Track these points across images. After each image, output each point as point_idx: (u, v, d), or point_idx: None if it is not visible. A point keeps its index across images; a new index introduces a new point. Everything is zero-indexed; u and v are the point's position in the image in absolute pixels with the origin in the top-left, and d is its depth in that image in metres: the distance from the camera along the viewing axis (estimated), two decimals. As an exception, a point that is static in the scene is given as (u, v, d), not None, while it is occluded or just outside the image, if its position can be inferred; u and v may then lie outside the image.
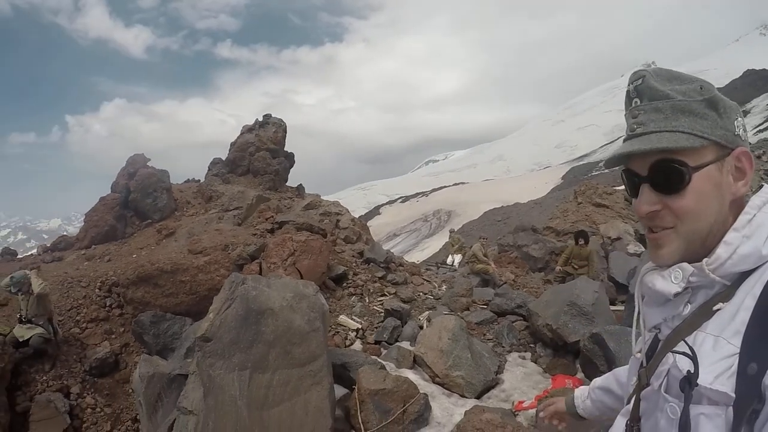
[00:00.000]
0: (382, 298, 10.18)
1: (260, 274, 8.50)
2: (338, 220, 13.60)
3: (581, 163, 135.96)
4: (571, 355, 7.35)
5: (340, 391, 5.92)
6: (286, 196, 15.27)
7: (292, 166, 16.89)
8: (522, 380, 7.07)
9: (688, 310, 1.12)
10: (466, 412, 5.04)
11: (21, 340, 7.36)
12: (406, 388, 5.54)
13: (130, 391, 7.41)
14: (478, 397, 6.54)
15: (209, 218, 12.41)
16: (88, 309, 8.82)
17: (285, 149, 16.80)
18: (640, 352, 1.23)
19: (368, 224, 17.38)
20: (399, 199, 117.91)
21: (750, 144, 1.12)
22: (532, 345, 8.19)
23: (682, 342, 1.07)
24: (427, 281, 12.51)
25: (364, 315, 9.29)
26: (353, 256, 11.84)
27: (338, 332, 8.39)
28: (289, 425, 4.87)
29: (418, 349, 7.24)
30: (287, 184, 16.51)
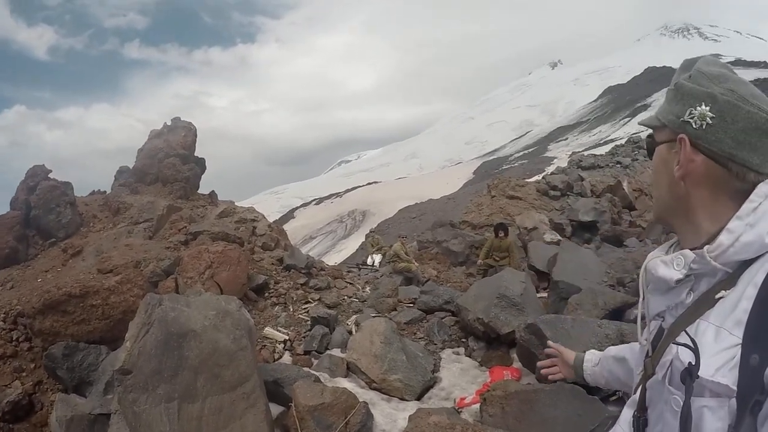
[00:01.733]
0: (306, 306, 9.85)
1: (177, 291, 7.97)
2: (255, 227, 13.09)
3: (492, 158, 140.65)
4: (505, 346, 7.40)
5: (276, 409, 5.56)
6: (198, 205, 14.51)
7: (203, 172, 16.04)
8: (460, 376, 7.02)
9: (691, 298, 1.13)
10: (410, 416, 4.84)
11: None
12: (346, 399, 5.28)
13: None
14: (418, 399, 6.41)
15: (118, 233, 11.54)
16: (-7, 346, 7.83)
17: (195, 154, 15.94)
18: (646, 340, 1.25)
19: (284, 228, 16.91)
20: (313, 201, 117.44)
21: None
22: (464, 340, 8.15)
23: (684, 333, 1.06)
24: (351, 284, 12.29)
25: (290, 325, 8.93)
26: (273, 264, 11.41)
27: (265, 346, 7.97)
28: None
29: (351, 355, 7.01)
30: (199, 191, 15.66)
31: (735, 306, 1.02)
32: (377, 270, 16.58)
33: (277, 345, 8.05)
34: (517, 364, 6.83)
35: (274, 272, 10.92)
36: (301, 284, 10.73)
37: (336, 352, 7.72)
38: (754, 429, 0.93)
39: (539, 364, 2.20)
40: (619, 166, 29.09)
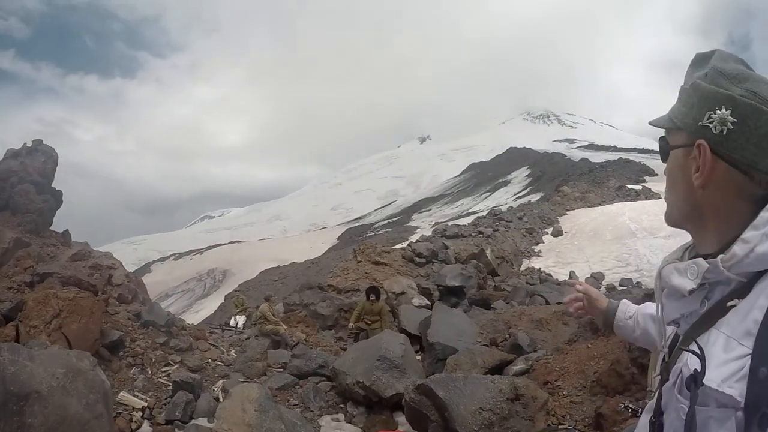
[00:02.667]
0: (167, 368, 8.92)
1: (17, 340, 6.82)
2: (111, 275, 11.91)
3: (357, 224, 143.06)
4: (388, 410, 7.18)
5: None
6: (49, 243, 13.02)
7: (58, 206, 14.48)
8: (344, 444, 6.59)
9: (705, 306, 1.10)
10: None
11: None
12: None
13: None
14: (301, 473, 5.87)
15: (-47, 266, 9.94)
16: None
17: (53, 186, 14.39)
18: (663, 346, 1.23)
19: (142, 280, 15.62)
20: (172, 256, 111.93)
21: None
22: (342, 405, 7.80)
23: (694, 341, 1.04)
24: (214, 346, 11.46)
25: (149, 390, 7.96)
26: (129, 319, 10.34)
27: (121, 413, 6.94)
28: None
29: (220, 425, 6.27)
30: (51, 228, 14.08)
31: (746, 316, 0.99)
32: (242, 332, 15.82)
33: (135, 413, 7.10)
34: (404, 428, 6.57)
35: (130, 328, 9.89)
36: (160, 344, 9.79)
37: (202, 421, 6.95)
38: None
39: (567, 299, 1.98)
40: (481, 235, 30.57)
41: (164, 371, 8.79)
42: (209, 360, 10.06)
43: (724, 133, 1.04)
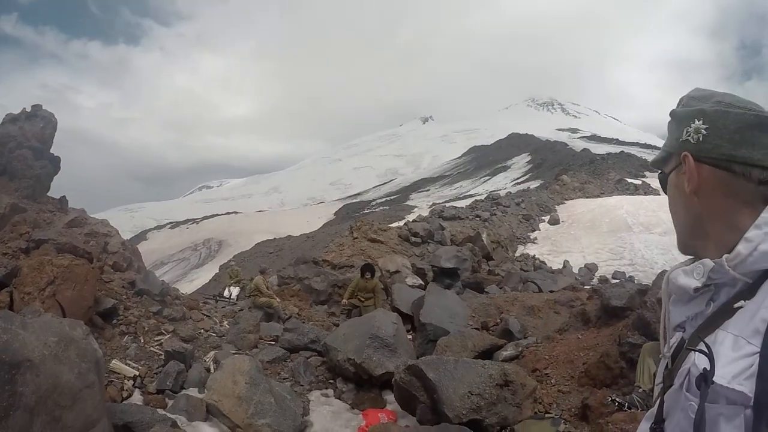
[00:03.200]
0: (159, 338, 8.96)
1: (11, 307, 6.82)
2: (107, 243, 11.86)
3: (354, 201, 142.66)
4: (377, 388, 7.22)
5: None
6: (46, 209, 12.91)
7: (56, 172, 14.36)
8: (332, 420, 6.69)
9: (711, 308, 1.12)
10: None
11: None
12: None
13: None
14: (289, 445, 5.94)
15: (-52, 229, 9.87)
16: None
17: (51, 151, 14.27)
18: (667, 353, 1.24)
19: (138, 249, 15.59)
20: (168, 224, 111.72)
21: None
22: (332, 381, 7.86)
23: (702, 341, 1.04)
24: (207, 316, 11.51)
25: (141, 359, 8.01)
26: (123, 287, 10.35)
27: (112, 381, 6.97)
28: None
29: (210, 396, 6.37)
30: (48, 193, 14.01)
31: (754, 315, 1.00)
32: (235, 303, 15.86)
33: (126, 381, 7.14)
34: (392, 406, 6.65)
35: (124, 297, 9.92)
36: (153, 313, 9.83)
37: (193, 392, 7.03)
38: None
39: None
40: (478, 219, 30.52)
41: (157, 340, 8.83)
42: (202, 330, 10.11)
43: (701, 139, 1.14)
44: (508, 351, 7.40)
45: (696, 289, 1.13)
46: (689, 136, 1.16)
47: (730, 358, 0.99)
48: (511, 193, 46.78)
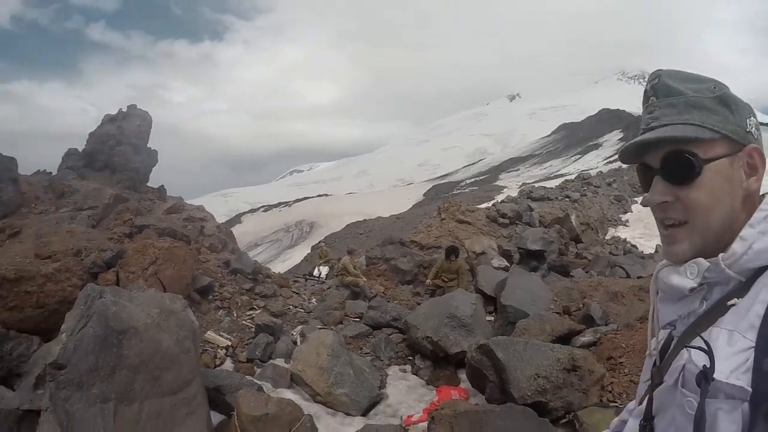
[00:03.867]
0: (251, 312, 9.58)
1: (117, 284, 7.54)
2: (203, 227, 12.71)
3: (443, 181, 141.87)
4: (453, 366, 7.36)
5: (217, 418, 5.32)
6: (146, 198, 13.95)
7: (154, 164, 15.50)
8: (407, 394, 6.92)
9: (703, 306, 1.12)
10: (357, 432, 4.71)
11: None
12: (291, 411, 5.07)
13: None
14: (364, 414, 6.26)
15: (60, 217, 10.94)
16: None
17: (148, 146, 15.43)
18: (654, 350, 1.24)
19: (231, 231, 16.53)
20: (261, 208, 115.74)
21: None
22: (410, 358, 8.08)
23: (698, 337, 1.05)
24: (297, 294, 12.07)
25: (234, 331, 8.63)
26: (219, 266, 11.09)
27: (206, 350, 7.63)
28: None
29: (295, 366, 6.81)
30: (148, 184, 15.15)
31: (748, 310, 1.02)
32: (323, 282, 16.43)
33: (219, 350, 7.74)
34: (464, 384, 6.78)
35: (219, 275, 10.61)
36: (246, 290, 10.47)
37: (280, 362, 7.48)
38: None
39: None
40: (567, 200, 29.73)
41: (248, 315, 9.44)
42: (291, 306, 10.65)
43: (758, 137, 1.13)
44: (586, 337, 7.32)
45: (691, 290, 1.12)
46: (752, 129, 1.13)
47: (727, 354, 1.00)
48: (602, 172, 45.07)
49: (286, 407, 5.07)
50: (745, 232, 1.07)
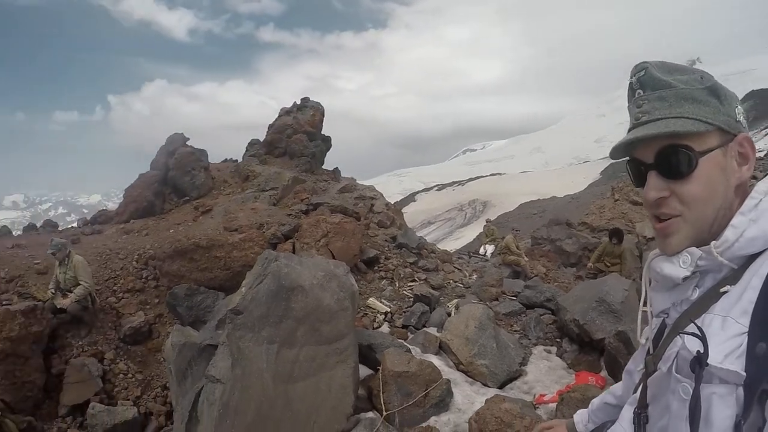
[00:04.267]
0: (412, 284, 10.26)
1: (293, 253, 8.66)
2: (372, 205, 13.69)
3: (622, 159, 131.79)
4: (597, 352, 7.29)
5: (365, 371, 6.04)
6: (321, 179, 15.41)
7: (328, 149, 17.00)
8: (545, 374, 7.03)
9: (696, 294, 1.14)
10: (486, 400, 5.08)
11: (59, 306, 7.66)
12: (430, 372, 5.61)
13: (162, 359, 7.66)
14: (500, 387, 6.54)
15: (245, 197, 12.61)
16: (124, 280, 9.10)
17: (322, 133, 16.92)
18: (647, 339, 1.25)
19: (403, 211, 17.38)
20: (435, 186, 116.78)
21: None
22: (558, 339, 8.12)
23: (691, 324, 1.06)
24: (458, 269, 12.52)
25: (394, 299, 9.39)
26: (386, 241, 11.95)
27: (367, 314, 8.51)
28: (312, 400, 5.01)
29: (445, 335, 7.30)
30: (323, 167, 16.65)
31: (740, 296, 1.04)
32: (487, 260, 16.65)
33: (379, 315, 8.55)
34: (604, 373, 6.70)
35: (386, 248, 11.46)
36: (410, 263, 11.18)
37: (432, 330, 8.03)
38: (762, 418, 0.94)
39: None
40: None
41: (409, 285, 10.14)
42: (450, 281, 11.16)
43: (746, 126, 1.16)
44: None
45: (684, 278, 1.13)
46: (741, 118, 1.14)
47: (721, 339, 1.02)
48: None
49: (426, 368, 5.63)
50: (737, 220, 1.09)
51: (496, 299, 9.98)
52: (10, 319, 6.80)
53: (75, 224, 14.41)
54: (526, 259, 13.26)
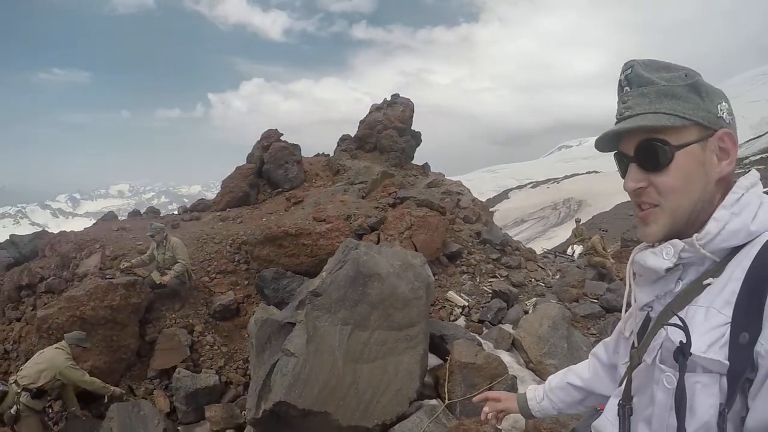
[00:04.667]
0: (492, 280, 10.36)
1: (377, 244, 9.05)
2: (459, 200, 13.83)
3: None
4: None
5: (435, 361, 6.27)
6: (410, 174, 15.70)
7: (418, 144, 17.26)
8: (616, 380, 6.94)
9: (679, 287, 1.17)
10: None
11: (158, 282, 8.49)
12: (496, 366, 5.77)
13: (246, 335, 8.23)
14: (566, 389, 6.55)
15: (335, 190, 13.09)
16: (218, 262, 9.87)
17: (412, 128, 17.22)
18: (631, 332, 1.27)
19: (496, 208, 17.44)
20: (529, 184, 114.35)
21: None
22: (635, 346, 7.93)
23: (675, 316, 1.09)
24: (542, 268, 12.45)
25: (473, 294, 9.55)
26: (470, 236, 12.05)
27: (444, 307, 8.75)
28: (378, 380, 5.32)
29: (518, 332, 7.41)
30: (413, 162, 16.91)
31: (723, 288, 1.07)
32: (573, 260, 16.34)
33: (456, 309, 8.76)
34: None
35: (469, 244, 11.60)
36: (493, 259, 11.26)
37: (507, 326, 8.16)
38: (745, 406, 0.99)
39: (483, 416, 2.02)
40: None
41: (489, 281, 10.25)
42: (532, 279, 11.16)
43: (731, 122, 1.17)
44: None
45: (667, 269, 1.16)
46: (723, 114, 1.15)
47: (704, 329, 1.05)
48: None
49: (493, 362, 5.80)
50: (719, 213, 1.11)
51: (576, 300, 9.89)
52: (112, 290, 7.69)
53: (175, 212, 15.70)
54: (612, 261, 12.94)
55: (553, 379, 1.81)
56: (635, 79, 1.18)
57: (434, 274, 8.47)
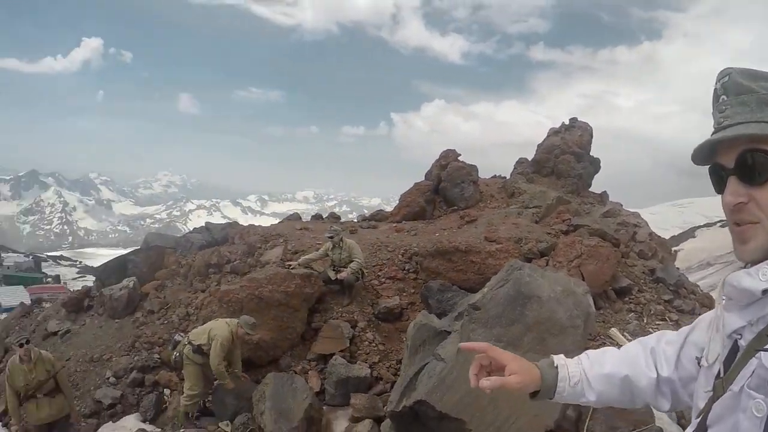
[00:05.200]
0: (660, 323, 9.70)
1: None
2: (635, 233, 13.09)
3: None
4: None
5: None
6: (586, 201, 15.27)
7: (597, 171, 16.62)
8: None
9: None
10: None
11: (332, 278, 9.41)
12: (642, 413, 5.53)
13: (404, 338, 8.73)
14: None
15: (509, 212, 13.19)
16: (388, 269, 10.61)
17: (591, 154, 16.65)
18: (715, 360, 1.20)
19: (680, 247, 16.19)
20: (718, 222, 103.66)
21: None
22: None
23: None
24: (716, 316, 11.36)
25: (637, 335, 9.02)
26: (643, 272, 11.36)
27: (604, 343, 8.35)
28: (517, 402, 5.29)
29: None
30: (590, 189, 16.40)
31: None
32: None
33: (616, 347, 8.33)
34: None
35: (641, 281, 10.94)
36: (664, 300, 10.52)
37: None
38: None
39: (471, 372, 1.56)
40: None
41: (657, 324, 9.58)
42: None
43: None
44: None
45: (764, 291, 1.07)
46: None
47: None
48: None
49: (640, 408, 5.49)
50: None
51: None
52: (290, 278, 8.88)
53: (355, 219, 16.87)
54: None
55: (607, 365, 1.57)
56: (733, 88, 1.13)
57: (599, 308, 8.19)
